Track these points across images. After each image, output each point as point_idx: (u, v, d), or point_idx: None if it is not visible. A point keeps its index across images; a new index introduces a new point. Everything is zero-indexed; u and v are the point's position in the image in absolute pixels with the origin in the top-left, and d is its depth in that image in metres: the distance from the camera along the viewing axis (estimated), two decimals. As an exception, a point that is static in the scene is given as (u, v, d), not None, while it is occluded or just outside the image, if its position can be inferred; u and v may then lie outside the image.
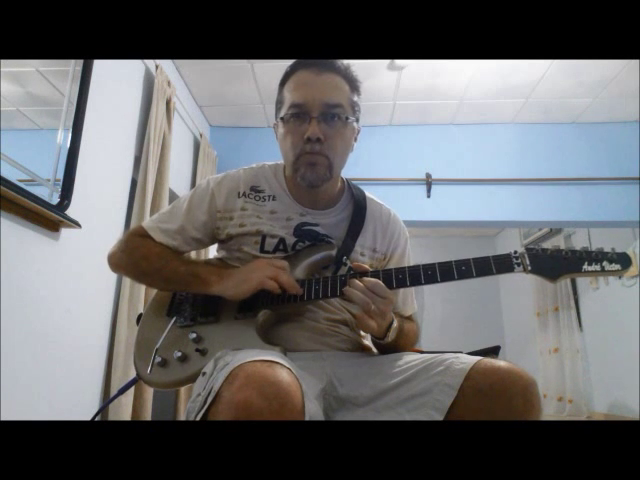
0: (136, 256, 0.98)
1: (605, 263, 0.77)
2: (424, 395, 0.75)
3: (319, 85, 0.89)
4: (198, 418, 0.63)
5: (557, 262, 0.79)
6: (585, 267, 0.77)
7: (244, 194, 0.99)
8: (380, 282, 0.82)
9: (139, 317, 1.01)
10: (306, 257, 0.94)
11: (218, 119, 3.51)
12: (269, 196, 0.99)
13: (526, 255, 0.80)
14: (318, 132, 0.88)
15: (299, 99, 0.89)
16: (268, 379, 0.60)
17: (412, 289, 1.04)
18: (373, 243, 1.01)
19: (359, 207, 1.02)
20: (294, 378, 0.63)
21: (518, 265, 0.79)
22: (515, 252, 0.80)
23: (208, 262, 1.04)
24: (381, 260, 1.02)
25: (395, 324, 0.89)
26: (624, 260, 0.77)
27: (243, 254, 0.96)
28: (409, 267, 0.85)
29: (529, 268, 0.79)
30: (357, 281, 0.82)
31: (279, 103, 0.96)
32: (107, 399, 1.90)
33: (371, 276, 0.84)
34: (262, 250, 0.95)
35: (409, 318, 1.05)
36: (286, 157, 0.95)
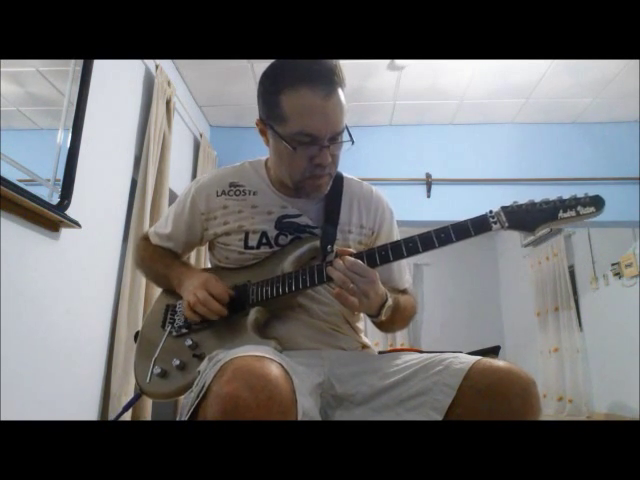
0: (138, 259, 1.15)
1: (579, 208, 0.77)
2: (423, 395, 0.75)
3: (329, 114, 0.85)
4: (190, 412, 0.64)
5: (533, 215, 0.80)
6: (561, 214, 0.78)
7: (223, 192, 1.01)
8: (358, 261, 0.82)
9: (136, 334, 1.02)
10: (291, 252, 0.94)
11: (218, 119, 3.51)
12: (249, 191, 1.00)
13: (502, 212, 0.81)
14: (329, 158, 0.89)
15: (310, 129, 0.85)
16: (255, 372, 0.61)
17: (406, 264, 1.05)
18: (359, 220, 1.02)
19: (333, 190, 1.01)
20: (283, 372, 0.63)
21: (495, 223, 0.80)
22: (490, 211, 0.82)
23: (183, 265, 1.06)
24: (370, 236, 1.03)
25: (390, 302, 0.89)
26: (597, 202, 0.77)
27: (229, 252, 0.98)
28: (391, 243, 0.86)
29: (506, 225, 0.80)
30: (339, 261, 0.82)
31: (277, 115, 0.87)
32: (107, 399, 1.91)
33: (353, 256, 0.84)
34: (246, 246, 0.96)
35: (405, 291, 1.06)
36: (287, 173, 0.94)
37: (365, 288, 0.81)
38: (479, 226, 0.81)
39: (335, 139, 0.88)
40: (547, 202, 0.80)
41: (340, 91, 0.87)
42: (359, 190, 1.05)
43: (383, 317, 0.89)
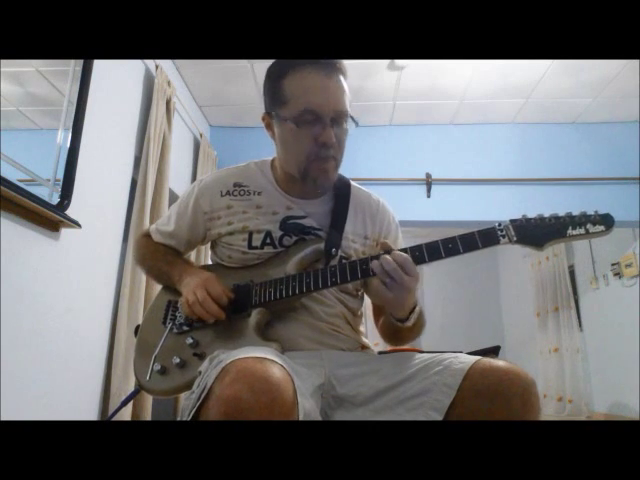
0: (138, 256, 1.14)
1: (589, 226, 0.77)
2: (423, 395, 0.75)
3: (332, 90, 0.88)
4: (191, 414, 0.64)
5: (542, 230, 0.79)
6: (570, 232, 0.77)
7: (228, 192, 1.00)
8: (409, 259, 0.81)
9: (137, 329, 1.02)
10: (295, 253, 0.94)
11: (218, 119, 3.51)
12: (254, 192, 1.00)
13: (510, 226, 0.80)
14: (333, 137, 0.89)
15: (314, 106, 0.87)
16: (258, 374, 0.60)
17: None
18: (364, 230, 1.02)
19: (340, 196, 1.01)
20: (285, 374, 0.63)
21: (503, 237, 0.79)
22: (499, 224, 0.81)
23: (185, 262, 1.06)
24: (373, 247, 1.02)
25: (418, 308, 0.89)
26: (607, 221, 0.77)
27: (233, 251, 0.98)
28: (398, 250, 0.85)
29: (514, 239, 0.79)
30: (389, 258, 0.81)
31: (280, 99, 0.90)
32: (107, 398, 1.91)
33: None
34: (250, 246, 0.96)
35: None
36: (294, 160, 0.93)
37: (411, 286, 0.81)
38: (487, 239, 0.80)
39: (339, 121, 0.89)
40: (556, 217, 0.79)
41: (342, 77, 0.90)
42: (367, 200, 1.05)
43: (411, 322, 0.88)
